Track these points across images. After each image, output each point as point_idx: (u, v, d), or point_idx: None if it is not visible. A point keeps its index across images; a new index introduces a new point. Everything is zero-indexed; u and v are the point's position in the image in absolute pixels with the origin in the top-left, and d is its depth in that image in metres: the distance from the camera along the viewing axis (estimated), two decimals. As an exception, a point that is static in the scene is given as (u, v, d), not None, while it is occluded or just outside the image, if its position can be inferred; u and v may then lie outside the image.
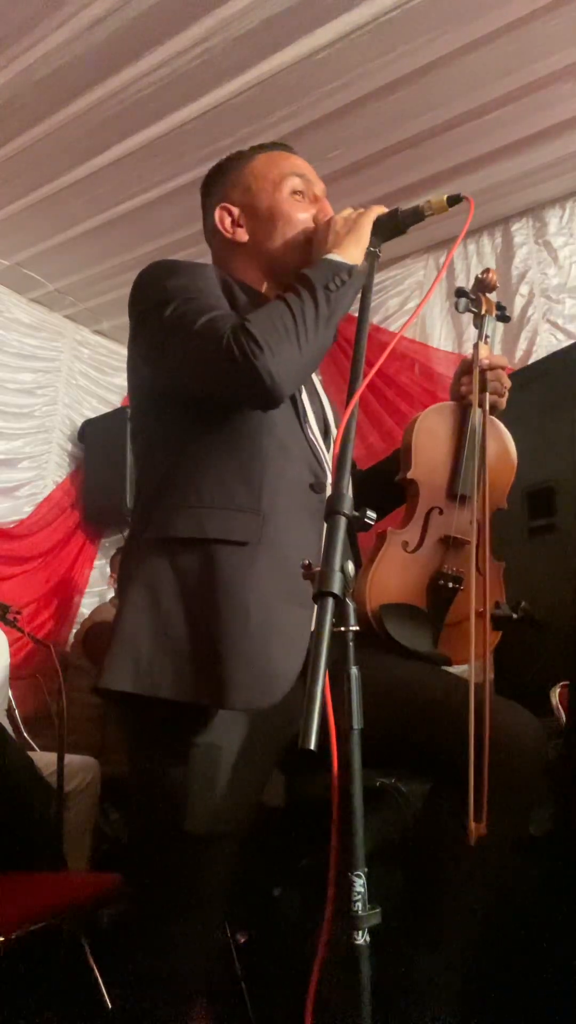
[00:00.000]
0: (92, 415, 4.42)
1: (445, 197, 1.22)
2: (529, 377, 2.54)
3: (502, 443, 1.53)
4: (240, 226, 1.39)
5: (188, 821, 1.11)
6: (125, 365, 1.38)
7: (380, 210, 1.30)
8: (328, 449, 1.33)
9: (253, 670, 1.12)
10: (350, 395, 0.99)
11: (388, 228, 1.29)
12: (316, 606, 0.82)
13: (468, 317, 1.55)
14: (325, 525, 0.90)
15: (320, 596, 0.82)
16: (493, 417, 1.46)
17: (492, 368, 1.43)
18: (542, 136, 3.13)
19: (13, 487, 4.09)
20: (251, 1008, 1.79)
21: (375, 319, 3.79)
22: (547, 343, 3.38)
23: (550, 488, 2.28)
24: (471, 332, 1.44)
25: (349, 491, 0.92)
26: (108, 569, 4.25)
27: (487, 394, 1.41)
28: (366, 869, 0.86)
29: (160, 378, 1.28)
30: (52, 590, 4.13)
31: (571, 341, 3.18)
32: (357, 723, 0.88)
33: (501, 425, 1.53)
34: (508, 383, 1.46)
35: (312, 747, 0.73)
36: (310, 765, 1.11)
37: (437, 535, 1.43)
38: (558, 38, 2.64)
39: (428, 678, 1.29)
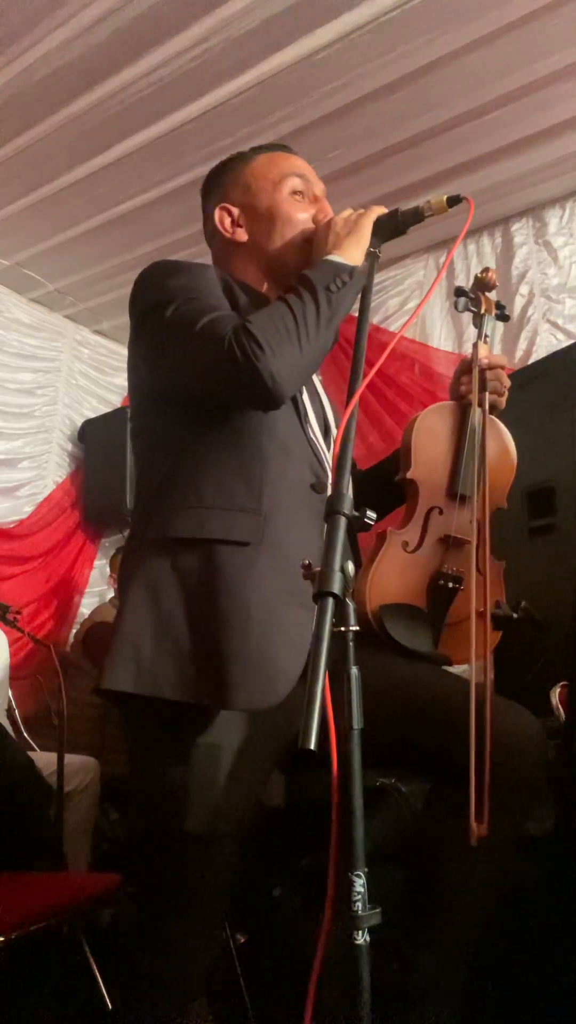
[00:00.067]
0: (92, 415, 4.42)
1: (445, 197, 1.21)
2: (529, 377, 2.54)
3: (502, 443, 1.53)
4: (240, 226, 1.39)
5: (188, 821, 1.11)
6: (125, 365, 1.38)
7: (380, 211, 1.30)
8: (329, 449, 1.33)
9: (254, 670, 1.12)
10: (350, 395, 0.99)
11: (388, 229, 1.29)
12: (316, 606, 0.82)
13: (468, 317, 1.55)
14: (325, 525, 0.90)
15: (320, 596, 0.82)
16: (493, 417, 1.46)
17: (491, 367, 1.43)
18: (542, 136, 3.13)
19: (13, 487, 4.09)
20: (251, 1008, 1.79)
21: (375, 319, 3.79)
22: (547, 343, 3.38)
23: (550, 488, 2.28)
24: (471, 332, 1.44)
25: (349, 491, 0.92)
26: (108, 569, 4.25)
27: (487, 393, 1.41)
28: (366, 869, 0.86)
29: (160, 378, 1.28)
30: (52, 590, 4.13)
31: (571, 341, 3.18)
32: (357, 723, 0.88)
33: (501, 425, 1.53)
34: (508, 382, 1.46)
35: (312, 747, 0.73)
36: (310, 765, 1.11)
37: (437, 535, 1.43)
38: (558, 38, 2.65)
39: (428, 678, 1.29)
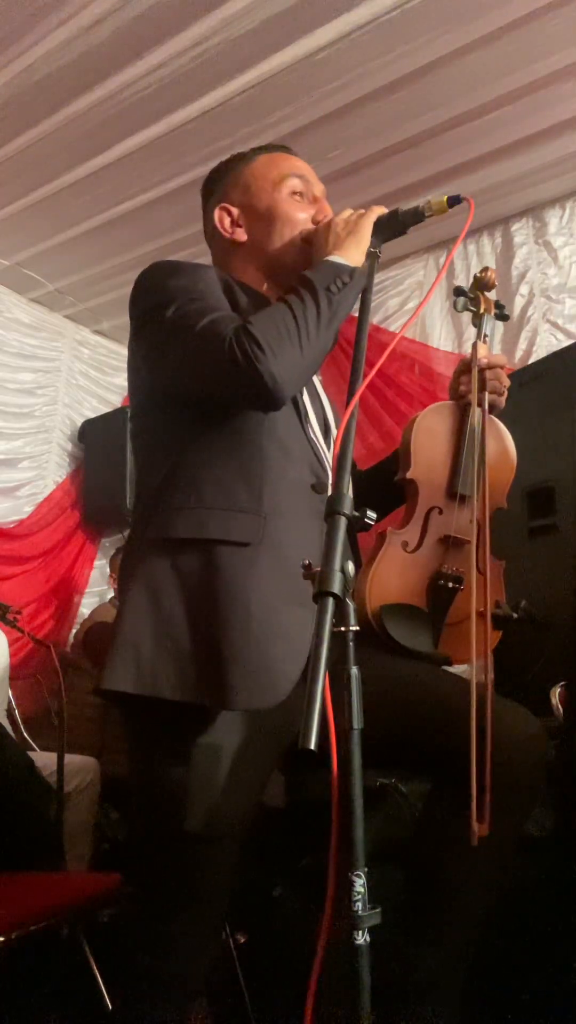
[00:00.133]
0: (92, 415, 4.42)
1: (445, 198, 1.21)
2: (529, 377, 2.54)
3: (501, 442, 1.53)
4: (239, 226, 1.39)
5: (188, 821, 1.11)
6: (125, 365, 1.38)
7: (380, 211, 1.30)
8: (329, 449, 1.33)
9: (254, 671, 1.12)
10: (350, 395, 0.99)
11: (388, 229, 1.29)
12: (316, 606, 0.82)
13: (468, 317, 1.55)
14: (325, 525, 0.90)
15: (320, 596, 0.82)
16: (492, 416, 1.46)
17: (491, 367, 1.43)
18: (542, 136, 3.13)
19: (13, 487, 4.09)
20: (251, 1008, 1.79)
21: (375, 319, 3.79)
22: (547, 343, 3.38)
23: (550, 488, 2.28)
24: (471, 332, 1.44)
25: (349, 491, 0.92)
26: (108, 569, 4.24)
27: (486, 393, 1.41)
28: (366, 869, 0.86)
29: (161, 379, 1.27)
30: (52, 590, 4.13)
31: (571, 341, 3.17)
32: (357, 723, 0.88)
33: (500, 424, 1.53)
34: (507, 382, 1.46)
35: (312, 747, 0.73)
36: (310, 765, 1.11)
37: (437, 535, 1.43)
38: (558, 38, 2.64)
39: (428, 678, 1.29)
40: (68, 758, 2.63)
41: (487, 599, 1.29)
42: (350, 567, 0.87)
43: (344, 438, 0.96)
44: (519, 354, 3.42)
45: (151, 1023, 1.14)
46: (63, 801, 2.56)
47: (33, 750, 2.95)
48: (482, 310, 1.53)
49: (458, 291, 1.52)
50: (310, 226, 1.36)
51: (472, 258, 3.70)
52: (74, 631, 4.14)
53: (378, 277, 3.05)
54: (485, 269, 1.53)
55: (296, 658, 1.14)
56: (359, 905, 0.86)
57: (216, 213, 1.40)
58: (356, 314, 1.14)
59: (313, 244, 1.32)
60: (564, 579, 1.96)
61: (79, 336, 4.48)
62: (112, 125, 2.99)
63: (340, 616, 0.88)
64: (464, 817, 1.07)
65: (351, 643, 0.90)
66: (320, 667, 0.76)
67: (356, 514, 0.91)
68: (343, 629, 0.90)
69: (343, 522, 0.89)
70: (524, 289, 3.51)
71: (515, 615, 1.45)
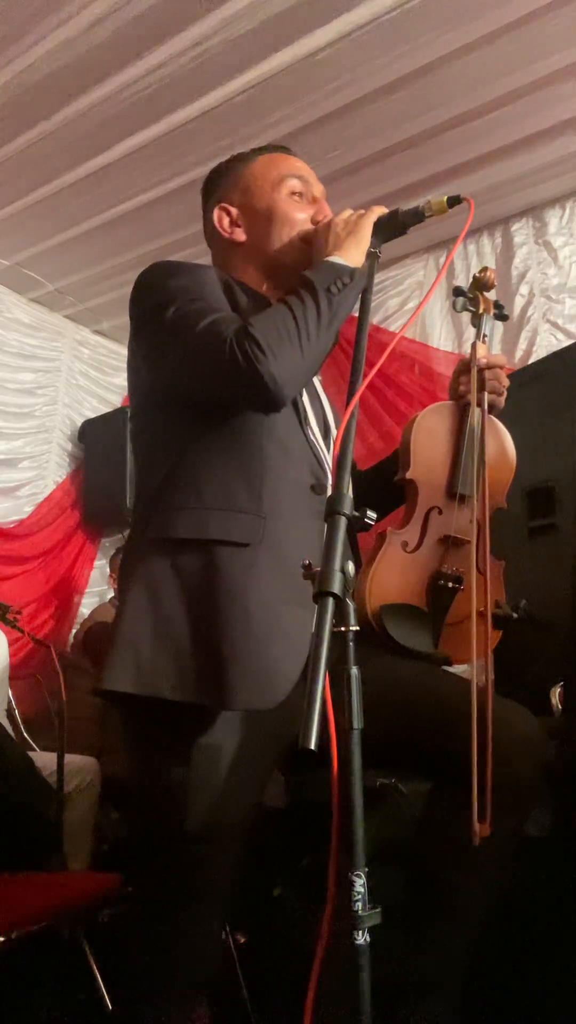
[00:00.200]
0: (92, 415, 4.42)
1: (445, 198, 1.21)
2: (529, 377, 2.54)
3: (501, 442, 1.53)
4: (238, 226, 1.39)
5: (188, 821, 1.11)
6: (125, 365, 1.38)
7: (380, 211, 1.30)
8: (328, 450, 1.33)
9: (254, 671, 1.12)
10: (350, 395, 0.99)
11: (388, 229, 1.29)
12: (316, 606, 0.82)
13: (468, 317, 1.55)
14: (325, 526, 0.90)
15: (320, 596, 0.82)
16: (492, 416, 1.46)
17: (490, 367, 1.43)
18: (542, 136, 3.13)
19: (13, 487, 4.09)
20: (251, 1008, 1.79)
21: (375, 319, 3.79)
22: (547, 343, 3.38)
23: (550, 488, 2.28)
24: (471, 332, 1.44)
25: (349, 491, 0.92)
26: (108, 569, 4.25)
27: (485, 393, 1.41)
28: (366, 869, 0.86)
29: (161, 379, 1.27)
30: (52, 590, 4.13)
31: (571, 341, 3.18)
32: (357, 723, 0.88)
33: (500, 424, 1.53)
34: (506, 382, 1.46)
35: (312, 747, 0.73)
36: (310, 765, 1.11)
37: (437, 535, 1.43)
38: (558, 38, 2.64)
39: (428, 678, 1.29)
40: (68, 758, 2.62)
41: (487, 599, 1.29)
42: (350, 567, 0.87)
43: (344, 438, 0.96)
44: (519, 354, 3.42)
45: (151, 1023, 1.14)
46: (63, 801, 2.56)
47: (33, 750, 2.95)
48: (481, 310, 1.53)
49: (457, 291, 1.52)
50: (309, 226, 1.36)
51: (472, 258, 3.70)
52: (74, 631, 4.14)
53: (378, 277, 3.05)
54: (484, 269, 1.53)
55: (296, 658, 1.14)
56: (359, 905, 0.86)
57: (215, 213, 1.40)
58: (356, 314, 1.14)
59: (313, 244, 1.32)
60: (564, 579, 1.96)
61: (79, 336, 4.48)
62: (112, 125, 2.99)
63: (340, 616, 0.88)
64: (464, 817, 1.07)
65: (351, 643, 0.90)
66: (320, 667, 0.76)
67: (356, 514, 0.91)
68: (343, 629, 0.89)
69: (343, 522, 0.89)
70: (524, 289, 3.51)
71: (515, 615, 1.45)
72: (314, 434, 1.32)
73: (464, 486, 1.45)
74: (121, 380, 4.46)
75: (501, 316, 1.57)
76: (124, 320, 1.33)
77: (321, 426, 1.35)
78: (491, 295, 1.56)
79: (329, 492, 0.92)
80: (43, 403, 4.26)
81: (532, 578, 1.94)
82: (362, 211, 1.30)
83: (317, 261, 1.25)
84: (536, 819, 1.43)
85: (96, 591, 4.35)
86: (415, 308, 3.79)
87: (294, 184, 1.38)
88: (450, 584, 1.39)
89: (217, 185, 1.43)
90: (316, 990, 0.88)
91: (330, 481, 1.26)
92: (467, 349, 1.41)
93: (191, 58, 2.70)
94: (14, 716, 3.14)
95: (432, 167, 3.26)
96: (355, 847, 0.86)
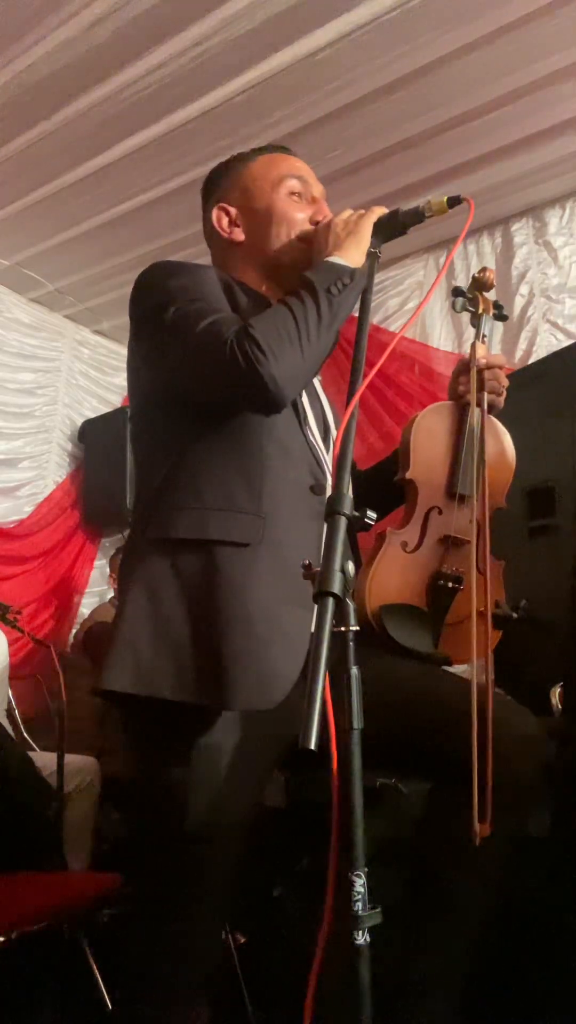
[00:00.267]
0: (92, 415, 4.42)
1: (445, 198, 1.21)
2: (529, 377, 2.54)
3: (500, 442, 1.53)
4: (237, 226, 1.39)
5: (188, 821, 1.11)
6: (125, 365, 1.38)
7: (380, 211, 1.30)
8: (328, 451, 1.33)
9: (254, 671, 1.12)
10: (350, 395, 0.99)
11: (388, 229, 1.28)
12: (316, 606, 0.82)
13: (467, 317, 1.55)
14: (325, 526, 0.90)
15: (320, 596, 0.82)
16: (491, 416, 1.46)
17: (490, 367, 1.43)
18: (542, 136, 3.13)
19: (13, 487, 4.10)
20: (251, 1008, 1.79)
21: (375, 319, 3.79)
22: (547, 343, 3.38)
23: (550, 488, 2.28)
24: (471, 332, 1.44)
25: (349, 491, 0.91)
26: (108, 569, 4.25)
27: (485, 393, 1.41)
28: (366, 869, 0.86)
29: (161, 379, 1.27)
30: (52, 590, 4.13)
31: (571, 341, 3.18)
32: (357, 723, 0.88)
33: (499, 424, 1.53)
34: (506, 382, 1.46)
35: (312, 747, 0.73)
36: (310, 765, 1.11)
37: (436, 535, 1.43)
38: (558, 38, 2.65)
39: (428, 678, 1.29)
40: (68, 758, 2.62)
41: (487, 599, 1.29)
42: (350, 567, 0.87)
43: (344, 438, 0.96)
44: (519, 354, 3.42)
45: (151, 1023, 1.14)
46: (63, 801, 2.56)
47: (33, 750, 2.95)
48: (480, 310, 1.53)
49: (456, 291, 1.52)
50: (308, 226, 1.36)
51: (472, 258, 3.70)
52: (74, 631, 4.14)
53: (378, 277, 3.05)
54: (483, 269, 1.53)
55: (295, 658, 1.14)
56: (359, 905, 0.86)
57: (214, 213, 1.40)
58: (356, 314, 1.14)
59: (312, 244, 1.32)
60: (564, 579, 1.96)
61: (79, 336, 4.48)
62: (112, 125, 3.00)
63: (340, 616, 0.88)
64: (464, 817, 1.07)
65: (351, 643, 0.90)
66: (320, 667, 0.76)
67: (356, 514, 0.91)
68: (343, 629, 0.89)
69: (343, 522, 0.89)
70: (524, 289, 3.51)
71: (515, 615, 1.45)
72: (314, 434, 1.32)
73: (464, 486, 1.45)
74: (121, 380, 4.46)
75: (500, 316, 1.57)
76: (124, 320, 1.33)
77: (321, 426, 1.35)
78: (490, 295, 1.56)
79: (329, 492, 0.92)
80: (43, 403, 4.26)
81: (532, 578, 1.95)
82: (362, 211, 1.30)
83: (317, 261, 1.25)
84: (536, 819, 1.43)
85: (96, 591, 4.35)
86: (415, 308, 3.79)
87: (293, 184, 1.38)
88: (450, 584, 1.39)
89: (216, 185, 1.43)
90: (316, 990, 0.88)
91: (330, 481, 1.26)
92: (467, 349, 1.41)
93: (191, 58, 2.70)
94: (14, 716, 3.14)
95: (432, 167, 3.26)
96: (355, 847, 0.86)
